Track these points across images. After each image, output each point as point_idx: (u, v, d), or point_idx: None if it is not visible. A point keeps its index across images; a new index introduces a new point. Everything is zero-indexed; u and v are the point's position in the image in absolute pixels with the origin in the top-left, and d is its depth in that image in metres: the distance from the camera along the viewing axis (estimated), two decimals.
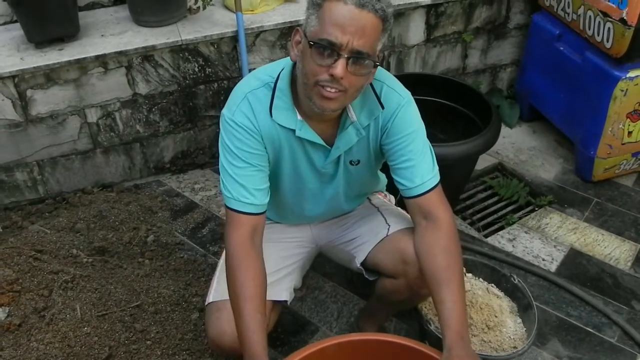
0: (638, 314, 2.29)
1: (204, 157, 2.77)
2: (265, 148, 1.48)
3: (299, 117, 1.44)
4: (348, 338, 1.46)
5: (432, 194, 1.51)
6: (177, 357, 1.85)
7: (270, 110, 1.44)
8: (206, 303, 1.61)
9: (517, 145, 3.18)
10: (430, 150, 1.55)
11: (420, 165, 1.50)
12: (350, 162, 1.58)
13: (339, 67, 1.27)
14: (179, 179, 2.75)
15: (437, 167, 1.54)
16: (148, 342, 1.87)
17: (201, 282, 2.15)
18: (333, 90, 1.31)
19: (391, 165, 1.54)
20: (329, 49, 1.27)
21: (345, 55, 1.27)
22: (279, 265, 1.68)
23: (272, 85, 1.45)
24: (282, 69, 1.45)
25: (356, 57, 1.28)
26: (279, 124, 1.45)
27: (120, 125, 2.56)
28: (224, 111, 1.46)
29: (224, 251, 1.50)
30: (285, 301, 1.66)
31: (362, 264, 1.71)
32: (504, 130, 3.22)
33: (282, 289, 1.66)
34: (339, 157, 1.55)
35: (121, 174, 2.69)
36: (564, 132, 3.08)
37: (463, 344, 1.33)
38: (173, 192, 2.67)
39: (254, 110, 1.44)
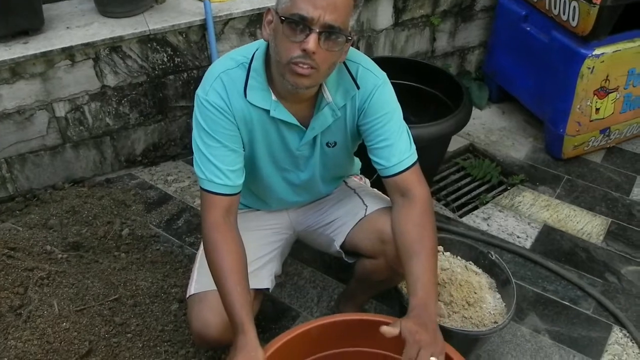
0: (612, 285, 2.33)
1: (176, 148, 2.74)
2: (239, 129, 1.47)
3: (273, 97, 1.44)
4: (332, 319, 1.46)
5: (410, 173, 1.51)
6: (158, 348, 1.84)
7: (245, 90, 1.43)
8: (187, 295, 1.60)
9: (487, 126, 3.22)
10: (407, 129, 1.55)
11: (397, 144, 1.51)
12: (327, 144, 1.58)
13: (311, 42, 1.26)
14: (151, 171, 2.72)
15: (414, 147, 1.54)
16: (128, 335, 1.85)
17: (179, 273, 2.13)
18: (306, 66, 1.30)
19: (368, 145, 1.55)
20: (301, 23, 1.26)
21: (317, 30, 1.26)
22: (259, 253, 1.67)
23: (247, 65, 1.44)
24: (257, 49, 1.44)
25: (328, 31, 1.28)
26: (253, 105, 1.44)
27: (89, 118, 2.52)
28: (198, 91, 1.45)
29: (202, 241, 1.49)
30: (268, 289, 1.65)
31: (341, 246, 1.71)
32: (474, 111, 3.23)
33: (263, 277, 1.65)
34: (314, 139, 1.55)
35: (92, 168, 2.65)
36: (533, 112, 3.12)
37: (425, 311, 1.33)
38: (146, 184, 2.63)
39: (227, 91, 1.43)
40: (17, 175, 2.50)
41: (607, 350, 2.08)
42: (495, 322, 1.79)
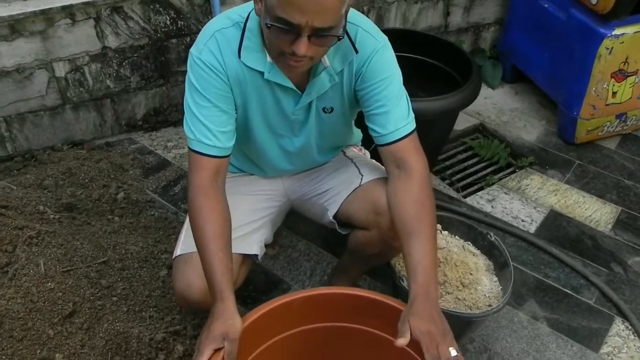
0: (617, 276, 2.26)
1: (177, 114, 2.69)
2: (232, 90, 1.41)
3: (268, 59, 1.38)
4: (315, 292, 1.42)
5: (406, 142, 1.45)
6: (143, 313, 1.80)
7: (239, 51, 1.38)
8: (173, 256, 1.56)
9: (498, 106, 3.13)
10: (406, 97, 1.48)
11: (394, 111, 1.44)
12: (324, 110, 1.52)
13: (301, 47, 1.22)
14: (151, 136, 2.68)
15: (412, 115, 1.48)
16: (114, 299, 1.82)
17: (171, 239, 2.09)
18: (299, 61, 1.27)
19: (365, 112, 1.48)
20: (288, 28, 1.20)
21: (307, 34, 1.21)
22: (249, 218, 1.62)
23: (242, 24, 1.38)
24: (253, 9, 1.38)
25: (318, 34, 1.22)
26: (247, 66, 1.39)
27: (89, 80, 2.47)
28: (192, 49, 1.40)
29: None
30: (256, 255, 1.60)
31: (335, 217, 1.66)
32: (486, 91, 3.16)
33: (251, 243, 1.60)
34: (310, 104, 1.49)
35: (92, 131, 2.61)
36: (547, 93, 3.02)
37: (427, 299, 1.28)
38: (145, 149, 2.59)
39: (221, 50, 1.37)
40: (16, 135, 2.47)
41: (607, 342, 2.01)
42: (490, 306, 1.73)
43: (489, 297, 1.76)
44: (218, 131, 1.40)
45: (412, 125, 1.47)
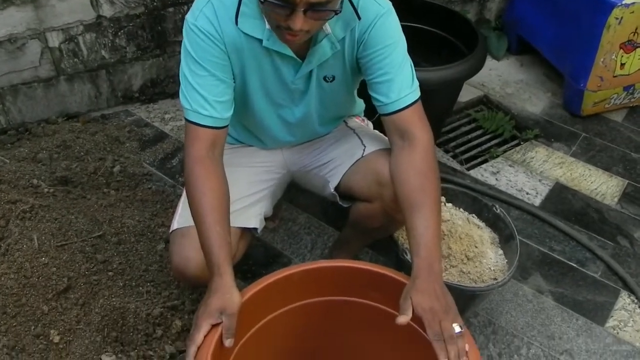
0: (623, 249, 2.22)
1: (175, 85, 2.62)
2: (229, 58, 1.36)
3: (267, 26, 1.32)
4: (316, 265, 1.37)
5: (410, 111, 1.39)
6: (140, 288, 1.76)
7: (237, 17, 1.31)
8: (170, 230, 1.52)
9: (503, 78, 3.06)
10: (411, 65, 1.42)
11: (397, 79, 1.38)
12: (325, 79, 1.46)
13: (297, 22, 1.17)
14: (148, 108, 2.62)
15: (417, 83, 1.42)
16: (110, 274, 1.77)
17: (169, 213, 2.04)
18: (295, 36, 1.22)
19: (368, 80, 1.43)
20: (282, 4, 1.16)
21: (302, 9, 1.15)
22: (248, 191, 1.57)
23: None
24: None
25: (314, 9, 1.17)
26: (245, 33, 1.33)
27: (84, 50, 2.41)
28: (188, 16, 1.34)
29: None
30: (255, 229, 1.56)
31: (336, 189, 1.61)
32: (491, 62, 3.10)
33: (251, 216, 1.55)
34: (310, 73, 1.43)
35: (87, 103, 2.55)
36: (554, 64, 2.96)
37: (430, 274, 1.24)
38: (142, 122, 2.53)
39: (218, 16, 1.31)
40: (9, 108, 2.41)
41: (612, 316, 1.98)
42: (495, 279, 1.68)
43: (494, 270, 1.72)
44: (215, 101, 1.35)
45: (417, 94, 1.42)
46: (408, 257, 1.65)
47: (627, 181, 2.53)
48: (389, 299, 1.34)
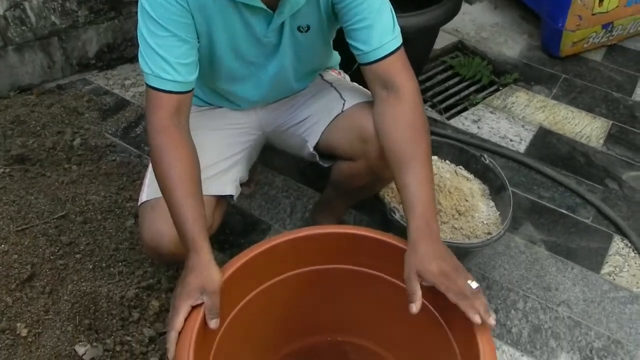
0: (612, 192, 2.15)
1: (133, 49, 2.45)
2: (192, 16, 1.21)
3: None
4: (301, 233, 1.26)
5: (393, 59, 1.27)
6: (112, 269, 1.63)
7: None
8: (139, 203, 1.38)
9: (477, 22, 2.94)
10: (391, 10, 1.29)
11: (377, 25, 1.25)
12: (299, 29, 1.32)
13: None
14: (106, 75, 2.45)
15: (398, 29, 1.29)
16: (77, 256, 1.64)
17: (136, 185, 1.91)
18: None
19: (345, 27, 1.29)
20: None
21: None
22: (222, 155, 1.44)
23: None
24: None
25: None
26: None
27: (32, 17, 2.22)
28: None
29: None
30: (231, 196, 1.43)
31: (316, 148, 1.49)
32: (464, 6, 2.95)
33: (226, 182, 1.43)
34: (283, 24, 1.29)
35: (40, 74, 2.37)
36: (529, 5, 2.85)
37: (430, 235, 1.15)
38: (101, 90, 2.37)
39: None
40: None
41: (607, 262, 1.91)
42: (489, 233, 1.60)
43: (487, 224, 1.63)
44: (178, 63, 1.20)
45: (399, 40, 1.29)
46: (397, 216, 1.55)
47: (611, 122, 2.45)
48: (383, 264, 1.25)
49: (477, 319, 1.06)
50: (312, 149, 1.48)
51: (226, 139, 1.48)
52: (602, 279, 1.86)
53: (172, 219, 1.18)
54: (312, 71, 1.54)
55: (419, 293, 1.11)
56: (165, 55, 1.19)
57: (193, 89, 1.26)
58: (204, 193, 1.23)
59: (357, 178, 1.48)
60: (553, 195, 2.11)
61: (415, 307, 1.10)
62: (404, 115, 1.26)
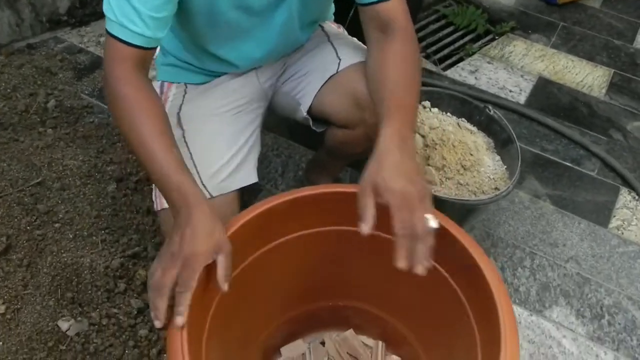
0: (617, 143, 2.06)
1: None
2: None
3: None
4: (302, 193, 1.14)
5: (395, 1, 1.15)
6: (94, 238, 1.52)
7: None
8: (159, 208, 1.21)
9: None
10: None
11: None
12: None
13: None
14: (80, 32, 2.29)
15: None
16: (56, 225, 1.53)
17: (117, 147, 1.78)
18: None
19: None
20: None
21: None
22: (238, 141, 1.28)
23: None
24: None
25: None
26: None
27: None
28: None
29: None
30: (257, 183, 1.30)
31: (309, 112, 1.36)
32: None
33: (250, 170, 1.29)
34: None
35: (8, 33, 2.21)
36: None
37: (403, 149, 0.98)
38: (75, 48, 2.21)
39: None
40: None
41: (615, 216, 1.83)
42: (497, 189, 1.50)
43: (494, 179, 1.53)
44: (149, 16, 1.04)
45: None
46: None
47: (612, 70, 2.35)
48: (387, 225, 1.14)
49: (401, 263, 0.90)
50: (305, 113, 1.35)
51: (235, 125, 1.32)
52: (610, 233, 1.78)
53: (154, 178, 1.03)
54: (315, 19, 1.40)
55: (371, 211, 0.93)
56: (136, 5, 1.02)
57: (157, 46, 1.12)
58: (228, 190, 1.16)
59: (354, 145, 1.36)
60: (557, 148, 2.02)
61: (365, 227, 0.92)
62: (394, 48, 1.12)
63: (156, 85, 1.34)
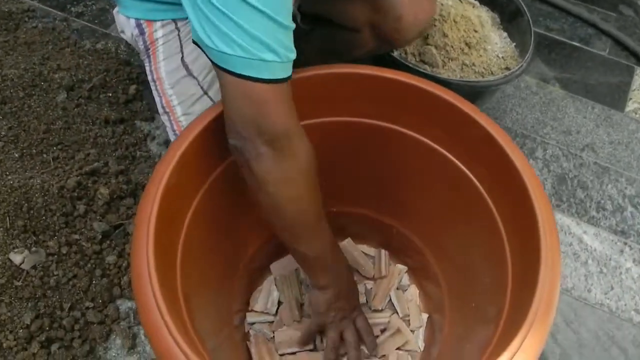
0: (628, 19, 1.86)
1: None
2: None
3: None
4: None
5: None
6: (45, 155, 1.31)
7: None
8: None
9: None
10: None
11: None
12: None
13: None
14: None
15: None
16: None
17: (65, 53, 1.54)
18: None
19: None
20: None
21: None
22: None
23: None
24: None
25: None
26: None
27: None
28: None
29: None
30: None
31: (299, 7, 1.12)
32: None
33: None
34: None
35: None
36: None
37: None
38: None
39: None
40: None
41: (631, 98, 1.65)
42: (507, 68, 1.30)
43: (502, 57, 1.33)
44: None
45: None
46: (395, 54, 1.23)
47: None
48: (397, 113, 0.95)
49: None
50: (296, 9, 1.12)
51: None
52: (627, 117, 1.60)
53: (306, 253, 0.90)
54: None
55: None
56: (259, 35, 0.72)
57: None
58: None
59: (359, 49, 1.14)
60: (562, 27, 1.81)
61: None
62: None
63: (124, 22, 1.06)
